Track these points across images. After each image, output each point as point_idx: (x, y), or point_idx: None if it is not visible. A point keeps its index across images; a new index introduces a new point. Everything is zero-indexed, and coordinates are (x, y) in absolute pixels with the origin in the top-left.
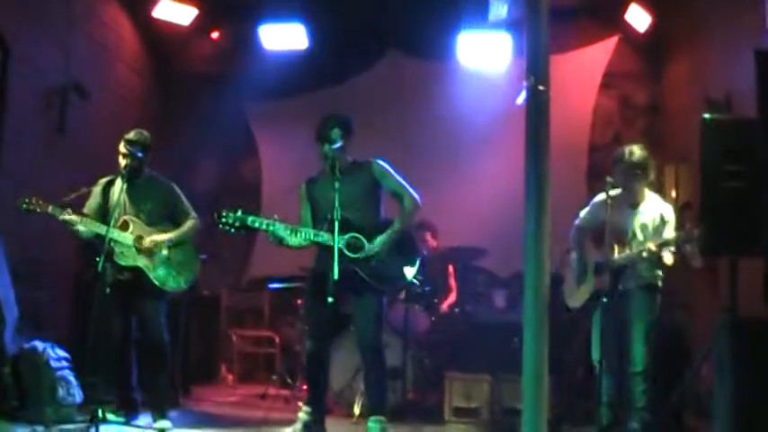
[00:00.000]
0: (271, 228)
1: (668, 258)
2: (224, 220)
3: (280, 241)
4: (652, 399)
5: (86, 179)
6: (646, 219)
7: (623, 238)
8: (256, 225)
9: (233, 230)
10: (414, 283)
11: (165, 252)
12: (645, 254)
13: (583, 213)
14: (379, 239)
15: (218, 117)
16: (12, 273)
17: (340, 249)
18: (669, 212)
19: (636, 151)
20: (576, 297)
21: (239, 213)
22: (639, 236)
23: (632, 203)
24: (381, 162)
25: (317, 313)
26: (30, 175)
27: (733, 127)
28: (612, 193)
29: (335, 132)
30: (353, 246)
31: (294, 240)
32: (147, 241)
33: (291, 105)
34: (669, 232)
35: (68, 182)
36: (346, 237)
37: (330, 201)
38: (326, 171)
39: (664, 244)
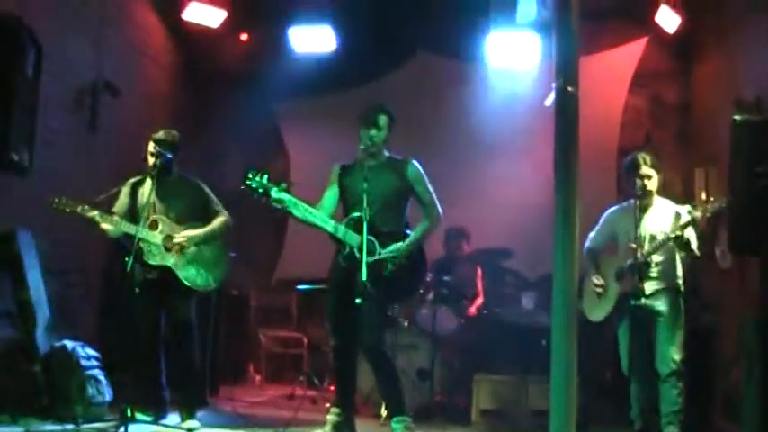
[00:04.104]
0: (295, 210)
1: (694, 242)
2: (248, 182)
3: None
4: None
5: (117, 177)
6: (660, 218)
7: (641, 241)
8: (277, 197)
9: (255, 195)
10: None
11: (193, 248)
12: (673, 235)
13: (592, 234)
14: (394, 248)
15: (247, 117)
16: (43, 272)
17: (352, 249)
18: (683, 209)
19: (646, 159)
20: (601, 308)
21: (265, 180)
22: (659, 236)
23: (643, 208)
24: (418, 165)
25: (337, 308)
26: (61, 173)
27: (763, 128)
28: (625, 204)
29: (383, 119)
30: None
31: (300, 215)
32: (179, 236)
33: (320, 106)
34: (691, 215)
35: (99, 180)
36: (362, 238)
37: (360, 194)
38: (362, 161)
39: (689, 223)
